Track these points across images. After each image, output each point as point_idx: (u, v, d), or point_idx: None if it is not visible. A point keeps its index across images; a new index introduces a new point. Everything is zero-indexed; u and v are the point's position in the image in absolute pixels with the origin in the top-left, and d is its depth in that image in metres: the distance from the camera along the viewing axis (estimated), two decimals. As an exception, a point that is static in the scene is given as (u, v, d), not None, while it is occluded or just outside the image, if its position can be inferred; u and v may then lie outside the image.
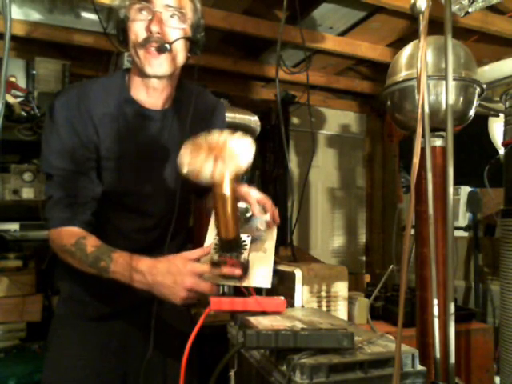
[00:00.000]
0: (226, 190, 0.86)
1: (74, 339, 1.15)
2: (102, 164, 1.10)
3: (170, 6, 1.04)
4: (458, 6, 1.04)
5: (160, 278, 0.94)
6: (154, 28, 1.02)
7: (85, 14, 1.99)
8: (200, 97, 1.23)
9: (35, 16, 1.98)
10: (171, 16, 1.05)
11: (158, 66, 1.06)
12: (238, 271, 0.93)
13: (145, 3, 1.03)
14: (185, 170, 0.85)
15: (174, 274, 0.93)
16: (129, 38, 1.06)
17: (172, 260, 0.95)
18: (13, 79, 2.15)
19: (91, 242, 1.00)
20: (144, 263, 0.96)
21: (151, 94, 1.13)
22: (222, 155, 0.84)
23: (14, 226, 2.32)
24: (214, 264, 0.94)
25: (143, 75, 1.09)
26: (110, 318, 1.18)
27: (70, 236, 1.02)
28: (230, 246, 0.94)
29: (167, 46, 1.04)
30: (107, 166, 1.10)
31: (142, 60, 1.05)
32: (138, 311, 1.20)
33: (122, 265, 0.97)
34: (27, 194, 2.13)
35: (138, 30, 1.04)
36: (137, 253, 1.01)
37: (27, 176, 2.14)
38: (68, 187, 1.06)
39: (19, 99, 2.14)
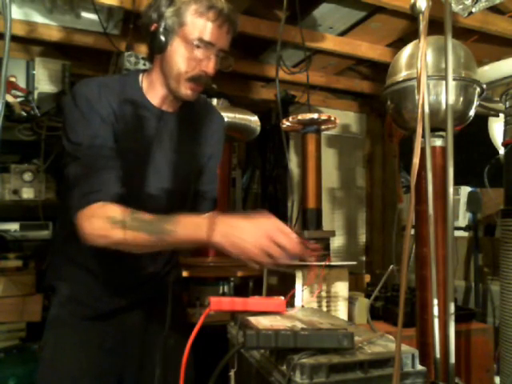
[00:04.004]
0: None
1: (70, 339, 1.15)
2: None
3: (223, 50, 1.12)
4: (461, 7, 1.03)
5: (241, 224, 0.91)
6: (210, 71, 1.10)
7: (85, 14, 1.98)
8: (203, 106, 1.31)
9: (35, 16, 1.98)
10: (218, 56, 1.12)
11: (193, 96, 1.14)
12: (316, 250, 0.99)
13: (209, 43, 1.08)
14: None
15: (256, 221, 0.92)
16: (168, 56, 1.09)
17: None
18: (13, 79, 2.14)
19: (145, 214, 0.97)
20: (214, 214, 0.95)
21: (166, 101, 1.17)
22: None
23: (13, 226, 2.32)
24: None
25: (171, 92, 1.14)
26: (107, 317, 1.18)
27: (123, 210, 0.98)
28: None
29: (214, 86, 1.12)
30: None
31: (180, 88, 1.11)
32: (134, 311, 1.20)
33: (189, 221, 0.95)
34: (27, 194, 2.13)
35: (191, 64, 1.09)
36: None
37: (27, 176, 2.14)
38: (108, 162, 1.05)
39: (19, 99, 2.13)
